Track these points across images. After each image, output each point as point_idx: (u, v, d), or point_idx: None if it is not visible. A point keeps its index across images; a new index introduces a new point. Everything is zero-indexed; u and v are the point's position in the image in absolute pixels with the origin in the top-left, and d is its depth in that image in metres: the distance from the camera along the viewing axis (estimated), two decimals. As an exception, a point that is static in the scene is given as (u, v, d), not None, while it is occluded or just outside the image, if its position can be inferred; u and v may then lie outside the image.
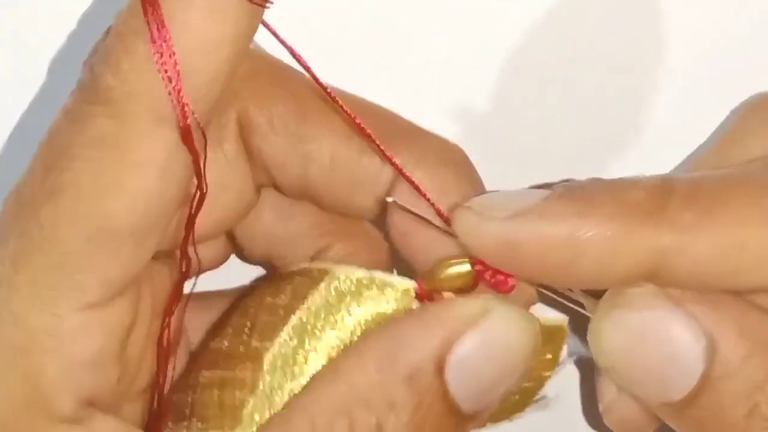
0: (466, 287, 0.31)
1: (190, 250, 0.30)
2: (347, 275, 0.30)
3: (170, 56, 0.26)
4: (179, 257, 0.30)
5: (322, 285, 0.30)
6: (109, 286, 0.28)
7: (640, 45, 0.36)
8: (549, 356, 0.32)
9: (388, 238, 0.33)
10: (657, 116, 0.37)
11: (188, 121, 0.27)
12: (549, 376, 0.32)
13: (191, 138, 0.27)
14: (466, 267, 0.31)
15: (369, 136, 0.31)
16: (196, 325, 0.34)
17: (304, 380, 0.30)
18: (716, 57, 0.36)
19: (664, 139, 0.37)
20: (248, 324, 0.31)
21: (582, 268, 0.28)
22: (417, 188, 0.31)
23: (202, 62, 0.27)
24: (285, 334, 0.30)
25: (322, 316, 0.30)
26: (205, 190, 0.29)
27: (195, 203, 0.29)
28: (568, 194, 0.29)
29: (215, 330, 0.33)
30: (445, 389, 0.29)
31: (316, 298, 0.30)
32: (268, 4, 0.27)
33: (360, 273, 0.30)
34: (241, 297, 0.33)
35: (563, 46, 0.36)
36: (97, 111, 0.27)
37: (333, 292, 0.30)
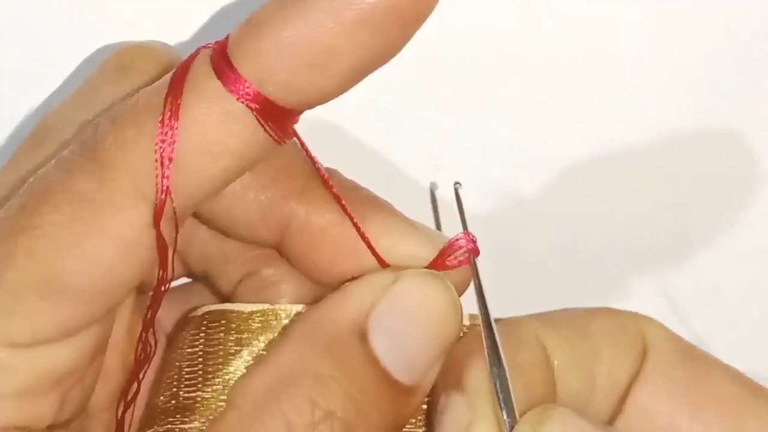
0: None
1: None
2: (252, 312, 0.31)
3: (170, 144, 0.27)
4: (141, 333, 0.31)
5: (233, 326, 0.31)
6: (41, 335, 0.28)
7: (640, 45, 0.37)
8: None
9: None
10: (657, 116, 0.37)
11: (164, 206, 0.27)
12: None
13: (159, 222, 0.28)
14: None
15: (327, 182, 0.31)
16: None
17: None
18: (717, 57, 0.37)
19: (664, 138, 0.37)
20: (175, 376, 0.32)
21: None
22: (358, 228, 0.31)
23: (199, 162, 0.27)
24: (207, 382, 0.31)
25: (237, 356, 0.31)
26: (169, 279, 0.29)
27: (156, 290, 0.29)
28: None
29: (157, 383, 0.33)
30: (372, 356, 0.29)
31: (230, 340, 0.31)
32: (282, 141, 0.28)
33: (253, 307, 0.31)
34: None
35: (563, 47, 0.37)
36: (85, 167, 0.28)
37: (240, 331, 0.31)
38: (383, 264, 0.32)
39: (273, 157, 0.30)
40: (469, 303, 0.32)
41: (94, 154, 0.28)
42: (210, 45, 0.28)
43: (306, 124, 0.30)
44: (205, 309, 0.33)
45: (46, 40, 0.36)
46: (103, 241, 0.27)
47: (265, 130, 0.28)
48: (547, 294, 0.39)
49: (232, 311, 0.32)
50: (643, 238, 0.39)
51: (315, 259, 0.32)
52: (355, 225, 0.31)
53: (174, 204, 0.28)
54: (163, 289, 0.30)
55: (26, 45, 0.36)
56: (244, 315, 0.32)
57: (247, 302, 0.32)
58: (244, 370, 0.31)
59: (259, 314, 0.32)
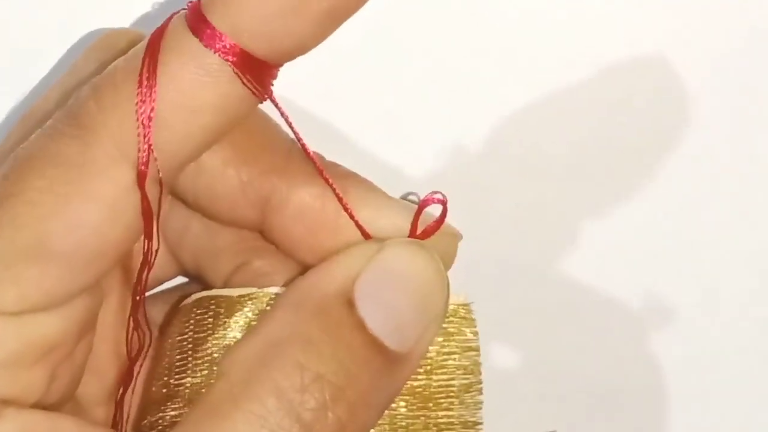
0: None
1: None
2: (240, 296, 0.31)
3: (150, 102, 0.27)
4: (131, 308, 0.31)
5: (222, 311, 0.31)
6: (27, 302, 0.28)
7: (640, 46, 0.37)
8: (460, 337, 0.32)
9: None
10: (657, 117, 0.37)
11: (148, 164, 0.27)
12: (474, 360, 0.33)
13: (144, 183, 0.28)
14: None
15: (310, 157, 0.31)
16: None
17: None
18: (717, 58, 0.37)
19: (664, 139, 0.37)
20: (166, 365, 0.32)
21: None
22: (340, 199, 0.32)
23: (179, 119, 0.28)
24: (196, 368, 0.31)
25: (225, 339, 0.31)
26: (157, 247, 0.29)
27: (144, 258, 0.29)
28: None
29: (150, 376, 0.33)
30: (360, 322, 0.29)
31: (218, 325, 0.31)
32: (262, 96, 0.28)
33: (242, 291, 0.32)
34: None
35: (562, 48, 0.37)
36: (69, 132, 0.28)
37: (228, 315, 0.31)
38: (366, 235, 0.32)
39: (253, 133, 0.30)
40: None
41: (76, 119, 0.28)
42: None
43: (306, 124, 0.31)
44: (195, 296, 0.33)
45: (33, 29, 0.37)
46: (87, 203, 0.27)
47: (242, 82, 0.28)
48: (547, 294, 0.39)
49: (220, 296, 0.32)
50: (643, 239, 0.39)
51: (297, 235, 0.32)
52: (337, 196, 0.31)
53: (157, 163, 0.28)
54: (150, 261, 0.30)
55: (12, 34, 0.37)
56: (234, 299, 0.32)
57: None
58: None
59: (247, 298, 0.32)
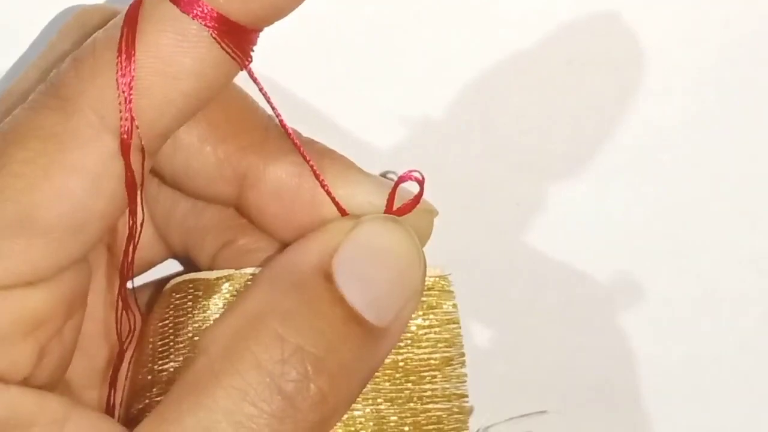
0: None
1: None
2: (218, 278, 0.31)
3: (130, 70, 0.27)
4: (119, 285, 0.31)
5: (200, 294, 0.31)
6: (12, 276, 0.28)
7: (641, 47, 0.37)
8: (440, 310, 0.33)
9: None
10: (657, 117, 0.37)
11: (131, 135, 0.27)
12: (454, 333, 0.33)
13: (128, 152, 0.28)
14: None
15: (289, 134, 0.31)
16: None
17: None
18: (717, 59, 0.37)
19: (665, 140, 0.37)
20: (150, 352, 0.32)
21: None
22: (317, 176, 0.32)
23: (159, 85, 0.28)
24: (178, 352, 0.31)
25: (205, 322, 0.31)
26: (142, 219, 0.29)
27: (130, 231, 0.29)
28: None
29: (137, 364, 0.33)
30: (338, 294, 0.29)
31: (197, 307, 0.31)
32: (243, 61, 0.28)
33: (219, 273, 0.32)
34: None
35: (562, 48, 0.37)
36: (50, 103, 0.28)
37: (207, 298, 0.31)
38: (342, 212, 0.32)
39: (230, 110, 0.30)
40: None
41: (57, 90, 0.28)
42: None
43: (284, 102, 0.31)
44: (173, 282, 0.33)
45: (6, 8, 0.37)
46: (70, 174, 0.27)
47: (221, 46, 0.28)
48: (547, 295, 0.39)
49: (198, 279, 0.32)
50: (643, 239, 0.39)
51: (273, 212, 0.32)
52: (314, 173, 0.32)
53: (139, 131, 0.28)
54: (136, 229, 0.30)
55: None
56: (212, 282, 0.32)
57: None
58: None
59: (225, 279, 0.32)
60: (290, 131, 0.31)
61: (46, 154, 0.27)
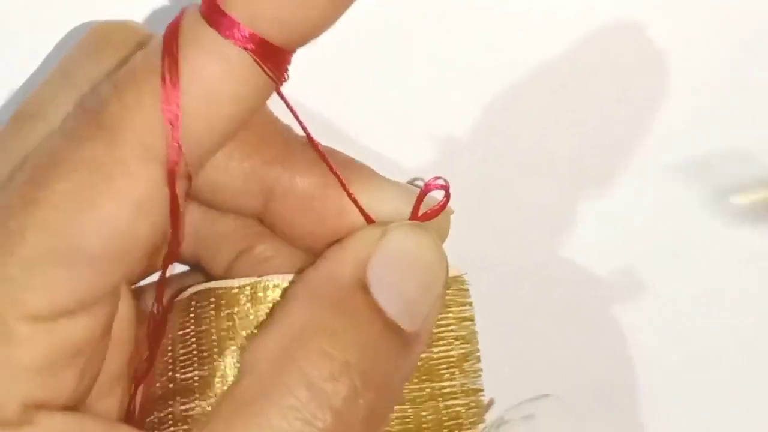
0: None
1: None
2: (240, 287, 0.32)
3: (175, 98, 0.27)
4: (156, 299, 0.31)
5: (222, 302, 0.32)
6: (60, 307, 0.28)
7: (641, 47, 0.37)
8: (456, 308, 0.34)
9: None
10: (657, 117, 0.38)
11: (178, 164, 0.27)
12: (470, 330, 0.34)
13: (174, 180, 0.28)
14: None
15: (319, 150, 0.32)
16: None
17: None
18: (718, 60, 0.37)
19: (664, 139, 0.38)
20: (169, 360, 0.32)
21: None
22: (344, 186, 0.32)
23: (203, 113, 0.28)
24: (203, 361, 0.31)
25: (230, 331, 0.31)
26: (181, 239, 0.29)
27: (170, 252, 0.29)
28: None
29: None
30: (376, 306, 0.30)
31: (220, 317, 0.31)
32: (280, 82, 0.28)
33: (241, 282, 0.32)
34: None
35: (565, 50, 0.37)
36: (93, 133, 0.27)
37: (230, 306, 0.32)
38: (369, 220, 0.32)
39: (253, 124, 0.30)
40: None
41: (99, 120, 0.27)
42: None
43: (303, 115, 0.31)
44: (192, 290, 0.33)
45: (22, 24, 0.36)
46: (117, 203, 0.27)
47: (263, 70, 0.28)
48: (547, 295, 0.40)
49: (219, 288, 0.32)
50: (645, 240, 0.40)
51: (300, 223, 0.33)
52: (341, 183, 0.32)
53: (185, 158, 0.28)
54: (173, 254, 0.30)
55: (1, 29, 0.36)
56: (233, 290, 0.32)
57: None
58: (240, 344, 0.31)
59: (247, 288, 0.32)
60: (317, 143, 0.32)
61: (90, 185, 0.27)
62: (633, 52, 0.38)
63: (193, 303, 0.32)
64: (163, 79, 0.27)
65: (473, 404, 0.34)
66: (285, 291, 0.31)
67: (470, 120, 0.38)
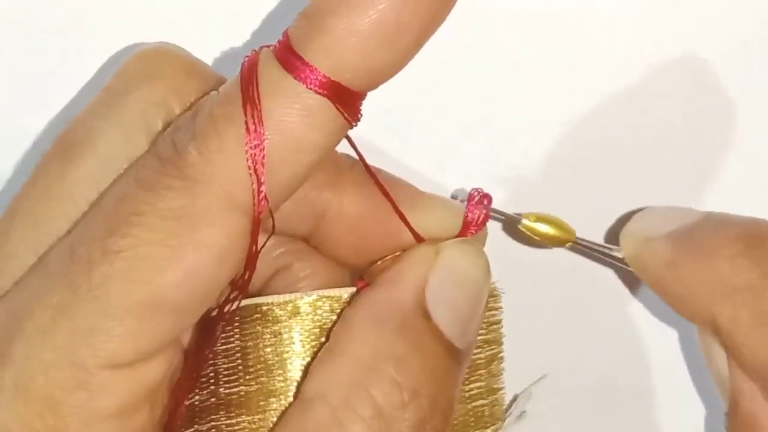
0: None
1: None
2: (286, 302, 0.32)
3: (261, 150, 0.27)
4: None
5: (269, 318, 0.32)
6: (141, 353, 0.28)
7: (642, 48, 0.37)
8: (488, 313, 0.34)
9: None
10: (657, 117, 0.38)
11: (262, 214, 0.27)
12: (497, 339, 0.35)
13: (258, 231, 0.28)
14: None
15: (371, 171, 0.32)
16: None
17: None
18: (719, 60, 0.37)
19: (664, 139, 0.38)
20: (212, 374, 0.32)
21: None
22: (396, 207, 0.33)
23: (287, 162, 0.28)
24: (249, 377, 0.31)
25: (277, 347, 0.32)
26: (249, 277, 0.29)
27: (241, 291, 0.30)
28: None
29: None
30: (437, 330, 0.30)
31: (266, 333, 0.32)
32: (354, 123, 0.28)
33: (286, 297, 0.32)
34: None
35: (566, 49, 0.37)
36: (174, 184, 0.27)
37: (275, 322, 0.32)
38: (419, 239, 0.33)
39: None
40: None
41: (179, 171, 0.27)
42: (257, 51, 0.28)
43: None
44: (236, 305, 0.32)
45: (66, 46, 0.36)
46: (200, 254, 0.27)
47: (344, 117, 0.28)
48: (548, 295, 0.40)
49: (264, 304, 0.32)
50: None
51: (348, 242, 0.33)
52: (393, 204, 0.32)
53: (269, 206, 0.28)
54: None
55: (37, 56, 0.36)
56: (278, 305, 0.32)
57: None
58: (286, 359, 0.31)
59: (292, 304, 0.32)
60: (370, 166, 0.32)
61: (175, 236, 0.27)
62: (632, 50, 0.37)
63: (237, 318, 0.32)
64: (247, 129, 0.27)
65: (495, 402, 0.35)
66: (343, 313, 0.32)
67: (462, 116, 0.38)
